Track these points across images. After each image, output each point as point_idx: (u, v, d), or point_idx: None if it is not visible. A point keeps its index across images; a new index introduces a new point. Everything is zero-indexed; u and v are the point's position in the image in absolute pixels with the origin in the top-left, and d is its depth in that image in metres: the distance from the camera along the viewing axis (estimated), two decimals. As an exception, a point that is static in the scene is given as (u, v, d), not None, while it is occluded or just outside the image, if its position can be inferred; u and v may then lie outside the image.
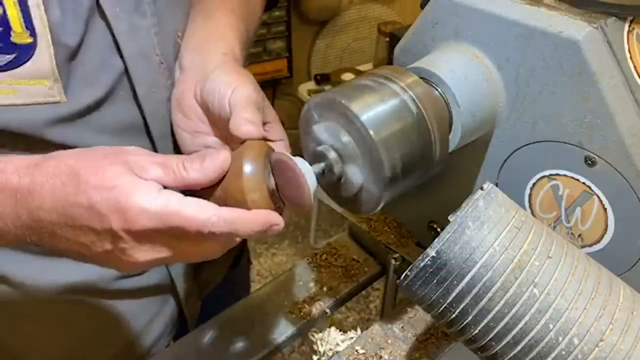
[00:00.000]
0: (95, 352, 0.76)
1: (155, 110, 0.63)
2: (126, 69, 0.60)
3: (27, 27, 0.51)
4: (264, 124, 0.54)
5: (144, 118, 0.63)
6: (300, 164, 0.49)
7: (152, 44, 0.61)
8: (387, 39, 2.00)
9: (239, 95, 0.53)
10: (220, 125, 0.56)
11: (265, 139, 0.52)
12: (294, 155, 0.50)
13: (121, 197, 0.43)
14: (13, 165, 0.47)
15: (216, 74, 0.56)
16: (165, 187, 0.46)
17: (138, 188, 0.44)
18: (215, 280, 0.89)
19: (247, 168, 0.47)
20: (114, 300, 0.72)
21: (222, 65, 0.58)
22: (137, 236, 0.44)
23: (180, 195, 0.45)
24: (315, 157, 0.52)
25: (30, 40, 0.52)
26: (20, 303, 0.68)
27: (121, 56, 0.59)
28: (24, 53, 0.52)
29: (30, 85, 0.53)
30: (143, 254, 0.45)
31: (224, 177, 0.47)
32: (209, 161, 0.46)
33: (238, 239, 0.47)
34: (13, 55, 0.52)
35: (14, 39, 0.51)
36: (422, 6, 0.62)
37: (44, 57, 0.53)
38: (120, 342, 0.77)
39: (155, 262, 0.47)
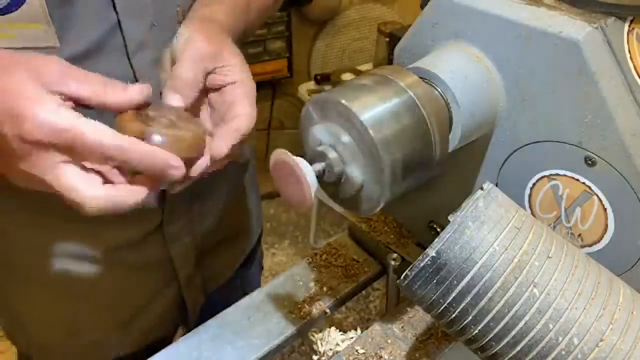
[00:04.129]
0: (96, 324, 0.79)
1: (144, 69, 0.64)
2: (119, 24, 0.61)
3: None
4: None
5: (134, 75, 0.64)
6: (301, 163, 0.49)
7: (146, 3, 0.62)
8: (387, 39, 2.00)
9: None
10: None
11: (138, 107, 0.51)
12: (295, 156, 0.50)
13: (20, 103, 0.43)
14: None
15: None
16: (79, 104, 0.46)
17: (38, 99, 0.44)
18: (223, 277, 0.90)
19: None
20: (113, 271, 0.75)
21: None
22: (35, 145, 0.44)
23: (77, 114, 0.45)
24: (315, 157, 0.52)
25: None
26: (29, 267, 0.72)
27: (116, 11, 0.60)
28: None
29: (27, 29, 0.54)
30: (49, 162, 0.45)
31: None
32: (131, 88, 0.48)
33: (168, 180, 0.48)
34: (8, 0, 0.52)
35: None
36: (422, 6, 0.62)
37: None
38: (120, 317, 0.79)
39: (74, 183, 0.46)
